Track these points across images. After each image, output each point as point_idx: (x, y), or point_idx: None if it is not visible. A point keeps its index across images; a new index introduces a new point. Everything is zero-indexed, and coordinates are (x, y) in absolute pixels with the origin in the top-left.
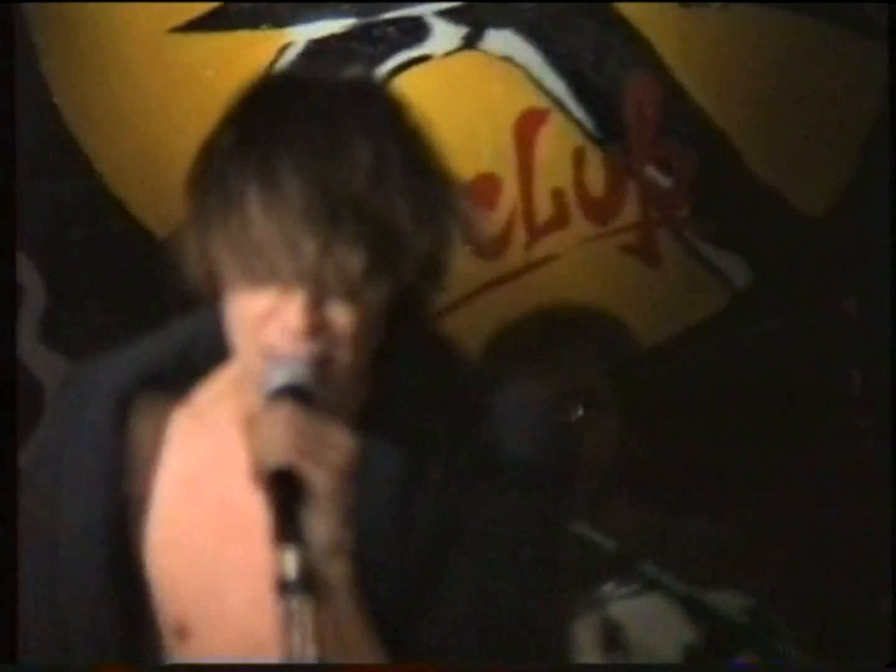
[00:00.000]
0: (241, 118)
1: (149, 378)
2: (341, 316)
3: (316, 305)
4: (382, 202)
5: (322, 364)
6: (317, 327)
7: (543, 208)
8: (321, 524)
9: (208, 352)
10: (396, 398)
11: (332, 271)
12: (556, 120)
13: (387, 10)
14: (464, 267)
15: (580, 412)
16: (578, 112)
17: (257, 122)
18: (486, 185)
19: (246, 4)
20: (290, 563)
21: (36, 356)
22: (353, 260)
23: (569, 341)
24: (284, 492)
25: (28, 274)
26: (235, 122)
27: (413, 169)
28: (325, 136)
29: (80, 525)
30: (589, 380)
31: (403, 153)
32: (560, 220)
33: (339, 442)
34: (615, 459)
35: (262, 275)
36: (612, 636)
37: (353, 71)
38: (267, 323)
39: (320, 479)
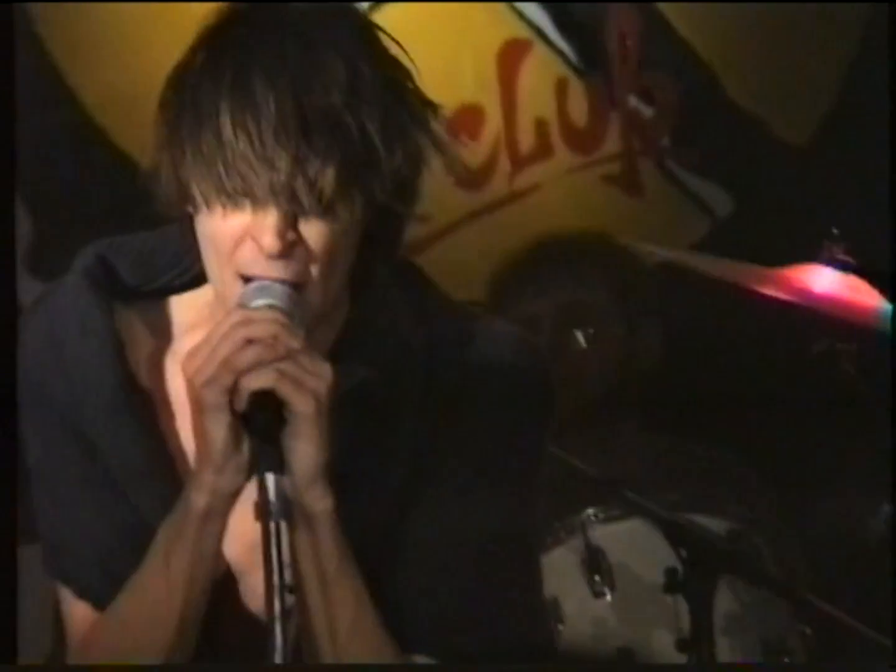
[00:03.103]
0: (214, 38)
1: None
2: (315, 234)
3: (289, 224)
4: (355, 119)
5: (297, 285)
6: (290, 247)
7: (526, 139)
8: (301, 449)
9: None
10: (374, 326)
11: (305, 185)
12: (538, 50)
13: None
14: (448, 197)
15: (583, 336)
16: (560, 42)
17: (230, 41)
18: (470, 116)
19: None
20: (270, 486)
21: (23, 285)
22: (325, 174)
23: (571, 265)
24: (265, 415)
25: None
26: (208, 42)
27: (386, 89)
28: (299, 52)
29: (101, 403)
30: (592, 302)
31: (377, 73)
32: (543, 150)
33: (319, 367)
34: (614, 382)
35: (235, 191)
36: (594, 560)
37: None
38: (241, 244)
39: (301, 402)
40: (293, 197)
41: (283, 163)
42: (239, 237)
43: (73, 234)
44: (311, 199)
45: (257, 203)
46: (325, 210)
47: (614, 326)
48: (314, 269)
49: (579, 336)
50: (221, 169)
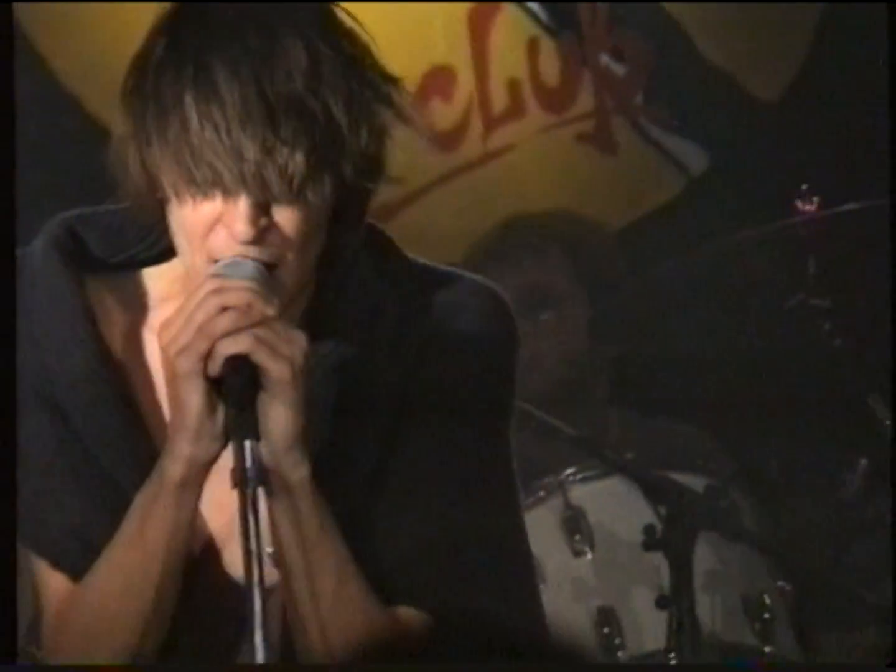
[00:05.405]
0: (173, 27)
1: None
2: (286, 219)
3: (260, 210)
4: (319, 102)
5: (271, 266)
6: (262, 232)
7: (499, 99)
8: (277, 415)
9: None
10: (341, 298)
11: (275, 172)
12: (509, 10)
13: None
14: (421, 159)
15: (547, 313)
16: (531, 2)
17: (190, 30)
18: (442, 77)
19: None
20: (246, 453)
21: None
22: (294, 160)
23: (535, 244)
24: (240, 379)
25: None
26: (167, 30)
27: (348, 68)
28: (259, 39)
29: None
30: (555, 279)
31: (337, 53)
32: (516, 110)
33: (294, 334)
34: (584, 355)
35: (205, 181)
36: (574, 520)
37: None
38: (213, 231)
39: (277, 368)
40: (264, 184)
41: (251, 151)
42: (210, 224)
43: (42, 201)
44: (282, 186)
45: (227, 192)
46: (296, 195)
47: (577, 307)
48: (288, 251)
49: (542, 319)
50: (189, 160)
